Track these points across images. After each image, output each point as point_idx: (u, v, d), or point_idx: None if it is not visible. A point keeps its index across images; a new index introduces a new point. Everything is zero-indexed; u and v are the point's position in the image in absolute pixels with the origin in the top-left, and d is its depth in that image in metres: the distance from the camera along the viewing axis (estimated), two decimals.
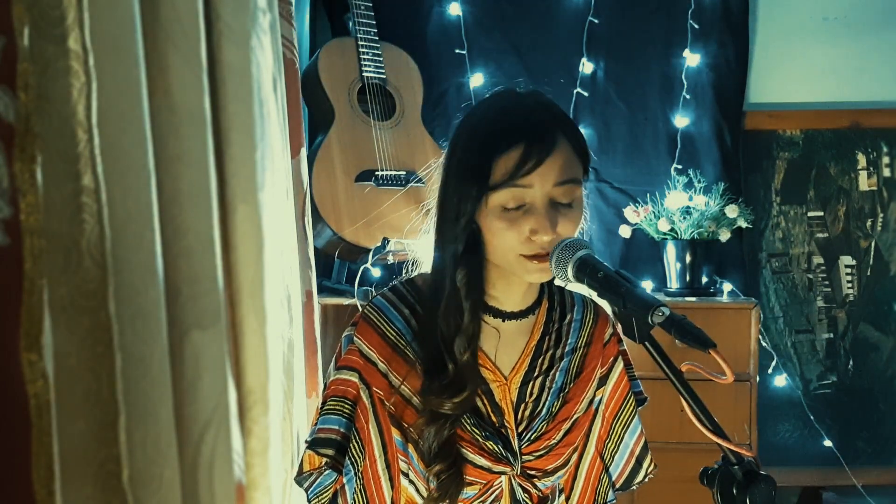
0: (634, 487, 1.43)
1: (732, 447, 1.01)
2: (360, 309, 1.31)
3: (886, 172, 2.67)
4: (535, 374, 1.29)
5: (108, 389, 0.87)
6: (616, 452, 1.39)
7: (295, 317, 1.44)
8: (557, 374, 1.31)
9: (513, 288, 1.26)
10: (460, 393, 1.20)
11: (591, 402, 1.35)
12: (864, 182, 2.68)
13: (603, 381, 1.36)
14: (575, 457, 1.35)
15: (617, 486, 1.39)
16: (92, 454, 0.87)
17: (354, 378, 1.26)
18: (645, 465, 1.42)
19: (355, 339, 1.26)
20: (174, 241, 1.03)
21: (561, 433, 1.30)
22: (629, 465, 1.40)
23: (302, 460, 1.28)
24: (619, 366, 1.38)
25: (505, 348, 1.28)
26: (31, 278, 0.79)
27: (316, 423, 1.28)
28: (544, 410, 1.29)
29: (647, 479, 1.42)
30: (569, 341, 1.33)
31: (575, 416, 1.32)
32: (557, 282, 1.22)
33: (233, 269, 1.21)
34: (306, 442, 1.27)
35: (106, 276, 0.87)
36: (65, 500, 0.82)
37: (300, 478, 1.28)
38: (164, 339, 0.97)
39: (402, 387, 1.24)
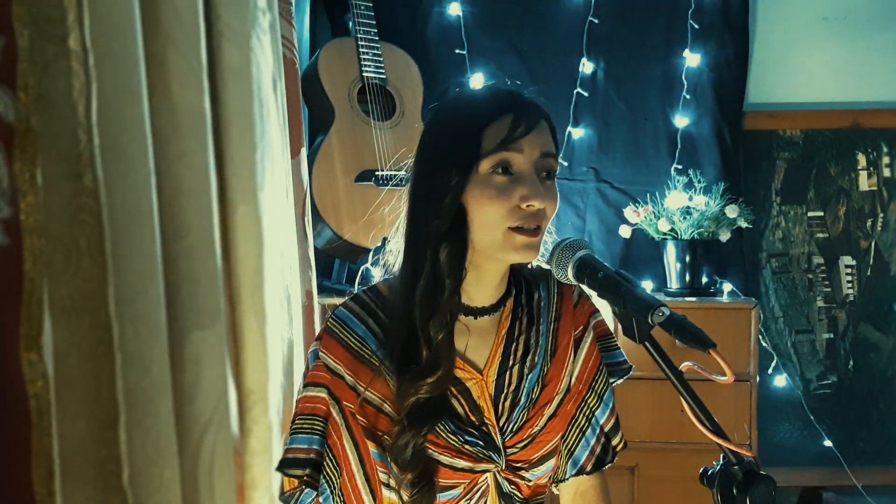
0: (606, 468, 1.35)
1: (732, 447, 1.01)
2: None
3: (886, 172, 2.67)
4: (511, 362, 1.27)
5: (108, 389, 0.87)
6: (587, 429, 1.33)
7: (295, 317, 1.44)
8: (536, 357, 1.29)
9: (484, 280, 1.25)
10: (434, 372, 1.19)
11: (571, 378, 1.32)
12: (864, 182, 2.68)
13: (577, 344, 1.33)
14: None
15: (587, 468, 1.32)
16: (92, 454, 0.87)
17: (323, 394, 1.24)
18: (614, 442, 1.35)
19: (320, 353, 1.25)
20: (174, 241, 1.03)
21: (543, 419, 1.28)
22: (599, 444, 1.33)
23: (282, 481, 1.27)
24: (591, 335, 1.34)
25: (476, 344, 1.26)
26: (31, 278, 0.79)
27: (285, 444, 1.27)
28: (523, 398, 1.27)
29: (615, 460, 1.35)
30: (541, 321, 1.31)
31: (557, 399, 1.30)
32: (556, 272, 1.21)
33: (233, 269, 1.21)
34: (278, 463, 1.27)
35: (106, 276, 0.87)
36: (65, 500, 0.82)
37: (283, 497, 1.27)
38: (164, 339, 0.97)
39: (372, 395, 1.23)
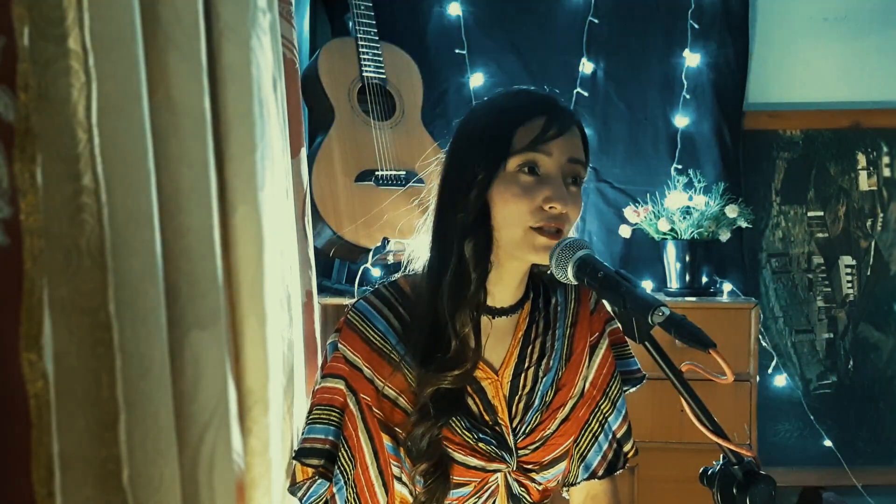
0: (617, 473, 1.37)
1: (732, 447, 1.01)
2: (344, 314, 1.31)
3: (886, 172, 2.67)
4: (526, 364, 1.28)
5: (108, 389, 0.87)
6: (600, 434, 1.34)
7: (295, 317, 1.44)
8: (551, 361, 1.30)
9: (504, 279, 1.25)
10: (462, 364, 1.20)
11: (585, 384, 1.33)
12: (864, 182, 2.68)
13: (592, 350, 1.34)
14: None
15: (599, 473, 1.34)
16: (92, 454, 0.87)
17: (341, 385, 1.25)
18: (626, 449, 1.36)
19: (339, 345, 1.26)
20: (174, 241, 1.03)
21: (556, 422, 1.29)
22: (611, 450, 1.35)
23: (294, 470, 1.28)
24: (606, 341, 1.35)
25: (493, 345, 1.27)
26: (31, 278, 0.79)
27: (302, 433, 1.27)
28: (537, 401, 1.28)
29: (626, 465, 1.37)
30: (558, 325, 1.32)
31: (570, 403, 1.31)
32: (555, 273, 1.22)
33: (233, 269, 1.21)
34: (293, 452, 1.27)
35: (106, 276, 0.87)
36: (65, 500, 0.82)
37: (293, 487, 1.28)
38: (164, 339, 0.97)
39: (389, 388, 1.24)
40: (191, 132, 1.05)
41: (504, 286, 1.26)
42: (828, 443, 2.60)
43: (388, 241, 2.06)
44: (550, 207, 1.17)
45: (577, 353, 1.32)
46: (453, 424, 1.23)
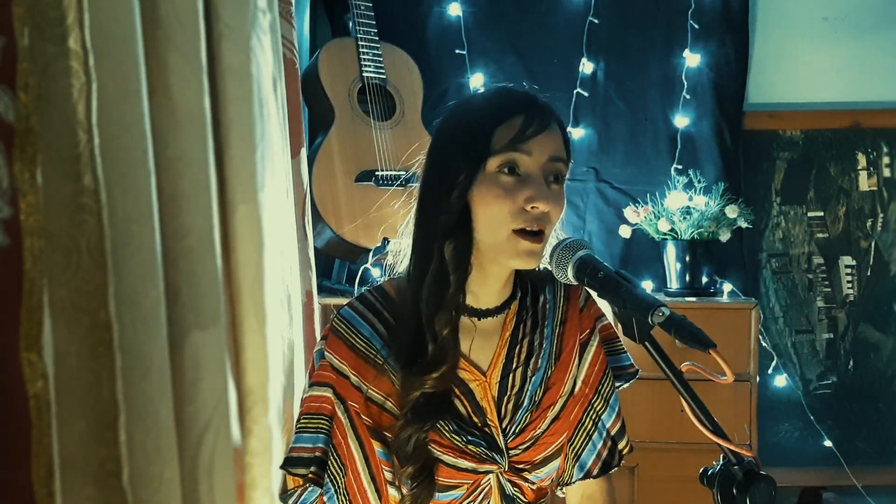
0: (612, 472, 1.35)
1: (732, 447, 1.01)
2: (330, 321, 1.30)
3: (886, 172, 2.67)
4: (514, 365, 1.27)
5: (108, 389, 0.87)
6: (594, 432, 1.33)
7: (295, 317, 1.44)
8: (539, 360, 1.29)
9: (489, 281, 1.25)
10: (439, 367, 1.19)
11: (576, 382, 1.33)
12: (864, 182, 2.68)
13: (583, 349, 1.33)
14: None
15: (594, 472, 1.33)
16: (92, 454, 0.87)
17: (328, 393, 1.24)
18: (620, 446, 1.35)
19: (326, 353, 1.25)
20: (174, 241, 1.03)
21: (546, 422, 1.28)
22: (606, 448, 1.34)
23: (284, 479, 1.27)
24: (597, 339, 1.34)
25: (480, 346, 1.26)
26: (31, 278, 0.79)
27: (290, 442, 1.27)
28: (526, 400, 1.27)
29: (622, 463, 1.35)
30: (546, 324, 1.31)
31: (561, 402, 1.30)
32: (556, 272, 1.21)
33: (233, 269, 1.21)
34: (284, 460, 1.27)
35: (106, 276, 0.87)
36: (65, 500, 0.82)
37: (284, 495, 1.27)
38: (164, 339, 0.97)
39: (375, 393, 1.24)
40: (191, 132, 1.05)
41: (488, 288, 1.25)
42: (828, 443, 2.60)
43: (389, 242, 2.06)
44: (532, 207, 1.16)
45: (566, 352, 1.31)
46: (441, 427, 1.22)
